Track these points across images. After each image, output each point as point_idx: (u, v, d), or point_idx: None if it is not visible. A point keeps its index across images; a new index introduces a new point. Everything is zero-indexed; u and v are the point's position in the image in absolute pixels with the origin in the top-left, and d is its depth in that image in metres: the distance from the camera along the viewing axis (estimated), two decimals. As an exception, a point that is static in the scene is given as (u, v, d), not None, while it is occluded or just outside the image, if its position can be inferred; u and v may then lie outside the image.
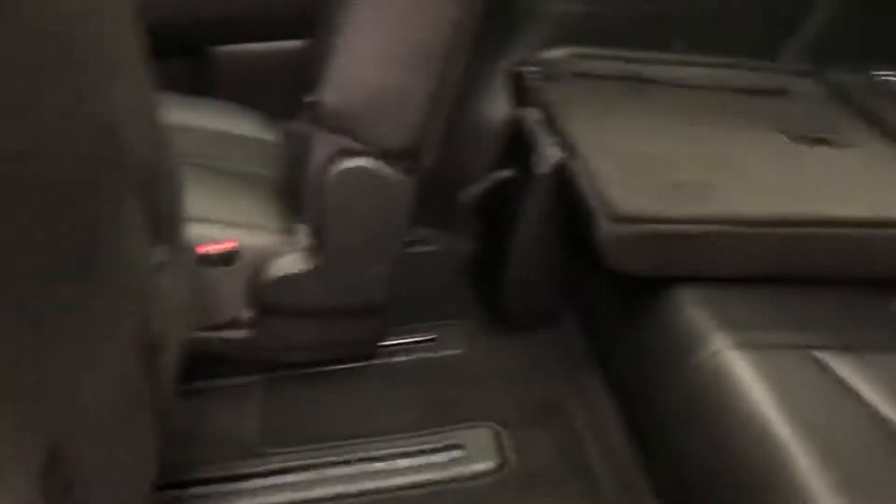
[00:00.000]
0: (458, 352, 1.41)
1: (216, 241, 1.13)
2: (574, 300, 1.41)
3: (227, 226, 1.15)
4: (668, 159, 1.21)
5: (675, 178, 1.16)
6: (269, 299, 1.19)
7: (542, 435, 1.23)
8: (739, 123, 1.37)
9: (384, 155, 1.14)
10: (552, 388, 1.32)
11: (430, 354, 1.40)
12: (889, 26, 1.76)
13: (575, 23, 1.60)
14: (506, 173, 1.38)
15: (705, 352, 1.03)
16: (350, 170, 1.14)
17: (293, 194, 1.21)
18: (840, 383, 0.97)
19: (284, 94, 1.26)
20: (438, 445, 1.21)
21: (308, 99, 1.13)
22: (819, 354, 1.02)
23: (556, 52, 1.60)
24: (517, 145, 1.38)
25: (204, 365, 1.18)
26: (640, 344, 1.15)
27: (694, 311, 1.08)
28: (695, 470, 0.99)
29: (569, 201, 1.25)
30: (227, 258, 1.15)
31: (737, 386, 0.97)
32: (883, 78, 1.68)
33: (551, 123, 1.34)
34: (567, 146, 1.26)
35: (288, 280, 1.18)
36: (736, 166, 1.22)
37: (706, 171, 1.19)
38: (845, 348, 1.03)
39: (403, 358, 1.39)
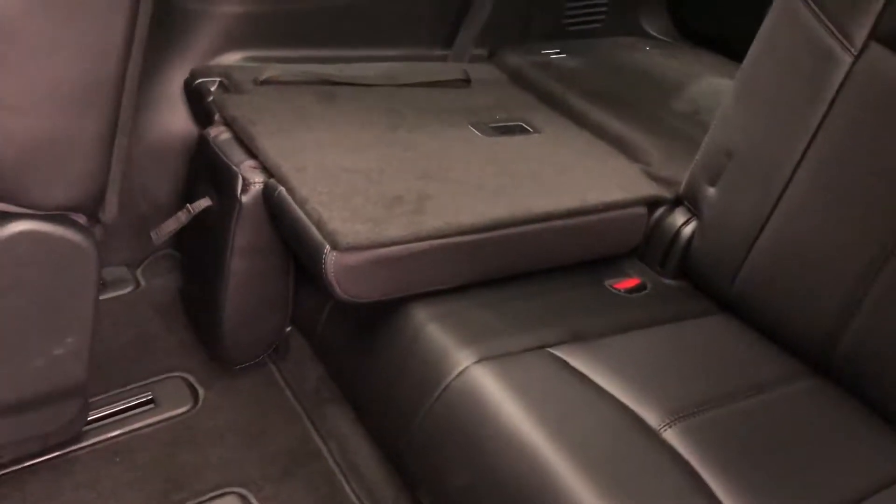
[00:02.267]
0: (182, 410, 1.25)
1: None
2: (306, 330, 1.31)
3: None
4: (378, 172, 1.15)
5: (389, 192, 1.10)
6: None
7: (297, 486, 1.14)
8: (435, 121, 1.35)
9: (55, 213, 0.95)
10: (297, 431, 1.23)
11: (151, 419, 1.23)
12: (547, 3, 1.87)
13: (246, 24, 1.47)
14: (203, 203, 1.23)
15: (452, 373, 1.00)
16: (12, 237, 0.93)
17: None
18: (581, 378, 1.00)
19: None
20: (181, 530, 1.07)
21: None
22: (556, 351, 1.04)
23: (232, 58, 1.47)
24: (210, 169, 1.24)
25: None
26: (385, 372, 1.10)
27: (433, 330, 1.05)
28: (462, 498, 0.96)
29: (281, 230, 1.15)
30: None
31: (487, 403, 0.96)
32: (551, 56, 1.77)
33: (243, 142, 1.21)
34: (268, 168, 1.15)
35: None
36: (444, 170, 1.20)
37: (418, 179, 1.15)
38: (577, 338, 1.07)
39: (119, 431, 1.20)
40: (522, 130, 1.40)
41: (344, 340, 1.21)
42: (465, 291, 1.12)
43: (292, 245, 1.12)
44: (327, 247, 1.00)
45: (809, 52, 1.09)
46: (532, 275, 1.19)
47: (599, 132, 1.44)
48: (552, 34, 1.87)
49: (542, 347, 1.05)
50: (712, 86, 1.69)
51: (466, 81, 1.54)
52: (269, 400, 1.28)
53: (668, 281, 1.25)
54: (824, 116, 1.07)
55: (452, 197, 1.13)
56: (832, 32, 1.06)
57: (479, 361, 1.00)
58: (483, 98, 1.50)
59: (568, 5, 1.89)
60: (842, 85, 1.05)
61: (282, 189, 1.10)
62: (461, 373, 1.00)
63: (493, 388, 0.97)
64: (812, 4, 1.08)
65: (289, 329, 1.32)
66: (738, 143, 1.17)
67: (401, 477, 1.11)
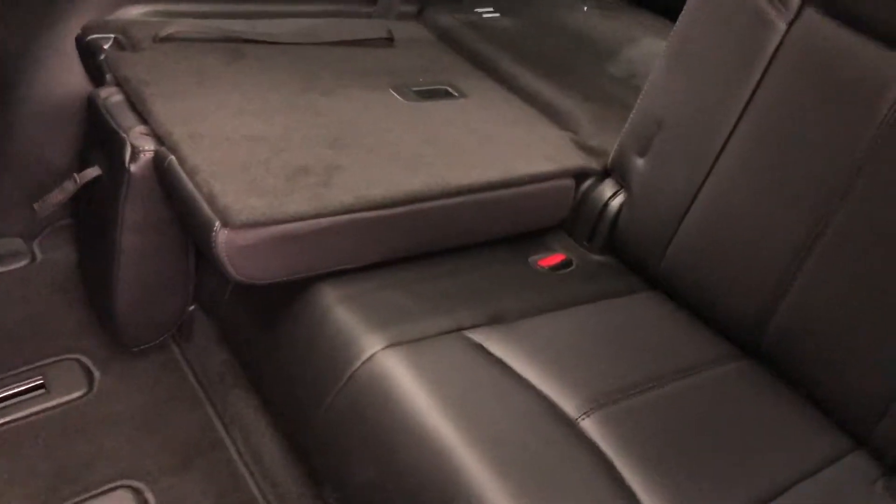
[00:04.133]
0: (76, 395, 1.16)
1: None
2: (210, 310, 1.22)
3: None
4: (284, 140, 1.06)
5: (294, 162, 1.01)
6: None
7: (196, 478, 1.06)
8: (353, 84, 1.25)
9: None
10: (199, 418, 1.14)
11: (41, 405, 1.14)
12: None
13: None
14: (93, 172, 1.13)
15: (359, 359, 0.92)
16: None
17: None
18: (497, 363, 0.93)
19: None
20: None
21: None
22: (472, 335, 0.97)
23: (132, 12, 1.35)
24: (99, 134, 1.13)
25: None
26: (288, 357, 1.02)
27: (340, 312, 0.97)
28: (368, 494, 0.89)
29: (174, 204, 1.05)
30: None
31: (394, 392, 0.88)
32: (484, 14, 1.68)
33: (136, 105, 1.11)
34: (159, 135, 1.04)
35: None
36: (357, 137, 1.11)
37: (328, 148, 1.06)
38: (496, 321, 1.00)
39: (4, 419, 1.11)
40: (447, 95, 1.31)
41: (248, 322, 1.12)
42: (376, 270, 1.04)
43: (184, 220, 1.03)
44: (217, 223, 0.91)
45: (743, 17, 1.02)
46: (451, 252, 1.11)
47: (530, 97, 1.36)
48: (486, -9, 1.77)
49: (457, 331, 0.98)
50: (650, 49, 1.62)
51: (390, 40, 1.45)
52: (170, 385, 1.19)
53: (595, 256, 1.19)
54: (757, 85, 1.00)
55: (365, 168, 1.04)
56: (765, -5, 0.99)
57: (388, 347, 0.93)
58: (407, 59, 1.41)
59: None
60: (776, 52, 0.99)
61: (172, 158, 1.00)
62: (368, 359, 0.92)
63: (401, 376, 0.90)
64: (746, -36, 1.01)
65: (192, 309, 1.23)
66: (668, 112, 1.10)
67: (305, 470, 1.04)
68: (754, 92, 1.01)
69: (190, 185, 0.96)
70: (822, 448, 0.92)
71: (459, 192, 1.06)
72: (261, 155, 1.01)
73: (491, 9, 1.69)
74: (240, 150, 1.01)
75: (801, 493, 0.86)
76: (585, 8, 1.79)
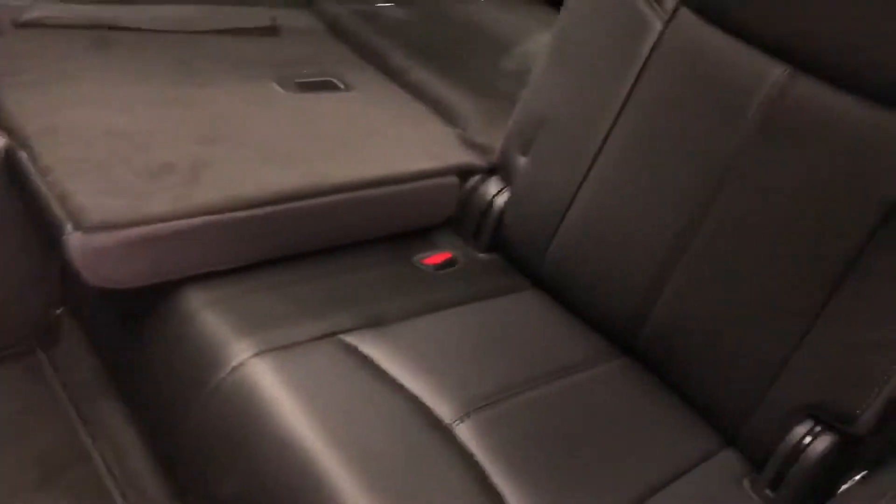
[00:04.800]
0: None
1: None
2: (77, 313, 1.15)
3: None
4: (149, 135, 1.00)
5: (158, 160, 0.96)
6: None
7: (57, 496, 1.00)
8: (230, 75, 1.20)
9: None
10: (63, 429, 1.08)
11: None
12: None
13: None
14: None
15: (226, 367, 0.88)
16: None
17: None
18: (373, 368, 0.90)
19: None
20: None
21: None
22: (349, 339, 0.94)
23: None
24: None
25: None
26: (154, 365, 0.97)
27: (207, 318, 0.92)
28: (234, 509, 0.85)
29: (27, 203, 0.98)
30: None
31: (264, 401, 0.85)
32: (378, 4, 1.64)
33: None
34: (11, 128, 0.97)
35: None
36: (231, 132, 1.06)
37: (197, 143, 1.01)
38: (374, 323, 0.97)
39: None
40: (332, 88, 1.27)
41: (114, 327, 1.07)
42: (249, 272, 1.00)
43: (38, 221, 0.96)
44: (69, 226, 0.85)
45: (620, 15, 1.02)
46: (331, 251, 1.08)
47: (419, 92, 1.33)
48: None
49: (333, 335, 0.94)
50: (544, 43, 1.61)
51: (274, 29, 1.40)
52: (33, 393, 1.12)
53: (480, 255, 1.18)
54: (634, 84, 1.00)
55: (236, 164, 1.00)
56: (642, -4, 0.99)
57: (258, 354, 0.89)
58: (292, 50, 1.36)
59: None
60: (651, 51, 0.99)
61: (23, 154, 0.94)
62: (236, 367, 0.88)
63: (269, 385, 0.86)
64: (623, -37, 1.01)
65: (59, 311, 1.16)
66: (549, 110, 1.09)
67: (174, 482, 0.99)
68: (631, 91, 1.01)
69: (41, 185, 0.89)
70: (694, 447, 0.93)
71: (336, 189, 1.02)
72: (122, 151, 0.96)
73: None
74: (99, 146, 0.95)
75: (672, 493, 0.86)
76: (480, 2, 1.77)
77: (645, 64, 0.99)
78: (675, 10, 0.97)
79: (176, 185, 0.93)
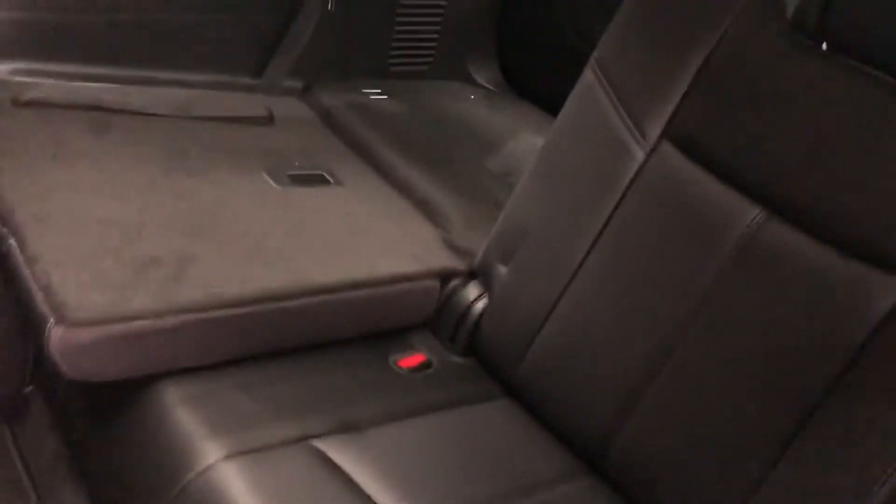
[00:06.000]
0: None
1: None
2: (47, 393, 1.15)
3: None
4: (139, 226, 1.02)
5: (145, 252, 0.97)
6: None
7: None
8: (223, 165, 1.23)
9: None
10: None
11: None
12: (371, 38, 1.78)
13: (16, 30, 1.29)
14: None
15: (196, 468, 0.88)
16: None
17: None
18: (341, 477, 0.90)
19: None
20: None
21: None
22: (320, 444, 0.94)
23: (-3, 70, 1.28)
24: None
25: None
26: (122, 458, 0.96)
27: (180, 415, 0.93)
28: None
29: (13, 288, 0.99)
30: None
31: (232, 507, 0.85)
32: (371, 96, 1.69)
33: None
34: (2, 213, 0.99)
35: None
36: (220, 225, 1.08)
37: (185, 237, 1.03)
38: (346, 428, 0.98)
39: None
40: (323, 181, 1.30)
41: (84, 412, 1.06)
42: (225, 368, 1.00)
43: (21, 308, 0.97)
44: (52, 320, 0.86)
45: (607, 141, 1.06)
46: (309, 350, 1.09)
47: (406, 189, 1.36)
48: (375, 72, 1.78)
49: (305, 439, 0.95)
50: (531, 144, 1.66)
51: (268, 119, 1.43)
52: (-6, 472, 1.11)
53: (456, 358, 1.19)
54: (615, 208, 1.04)
55: (222, 260, 1.01)
56: (628, 126, 1.03)
57: (229, 456, 0.89)
58: (285, 140, 1.39)
59: (393, 44, 1.81)
60: (634, 179, 1.03)
61: (12, 242, 0.95)
62: (206, 469, 0.88)
63: (237, 492, 0.86)
64: (612, 93, 1.05)
65: (29, 389, 1.15)
66: (532, 223, 1.12)
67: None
68: (613, 213, 1.04)
69: (27, 275, 0.90)
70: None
71: (319, 291, 1.04)
72: (111, 242, 0.97)
73: (379, 91, 1.70)
74: (89, 235, 0.97)
75: None
76: (472, 97, 1.83)
77: (627, 189, 1.03)
78: (658, 143, 1.02)
79: (160, 281, 0.94)
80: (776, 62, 0.94)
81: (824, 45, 0.90)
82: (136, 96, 1.33)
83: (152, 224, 1.03)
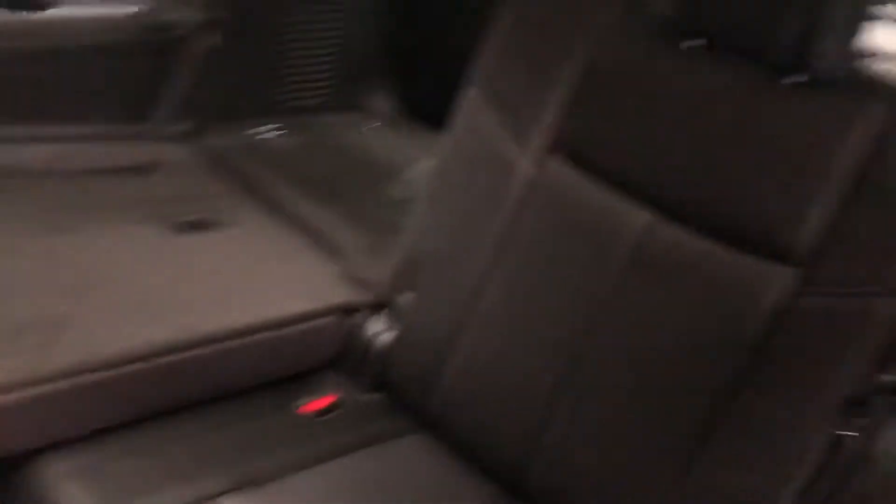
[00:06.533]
0: None
1: None
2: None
3: None
4: (12, 290, 0.95)
5: (17, 319, 0.91)
6: None
7: None
8: (101, 219, 1.17)
9: None
10: None
11: None
12: (262, 75, 1.74)
13: None
14: None
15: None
16: None
17: None
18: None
19: None
20: None
21: None
22: (223, 501, 0.89)
23: None
24: None
25: None
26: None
27: (67, 490, 0.86)
28: None
29: None
30: None
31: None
32: (264, 134, 1.65)
33: None
34: None
35: None
36: (100, 283, 1.02)
37: (61, 298, 0.97)
38: (245, 484, 0.92)
39: None
40: (211, 226, 1.25)
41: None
42: (114, 433, 0.94)
43: None
44: None
45: (491, 159, 1.04)
46: (205, 403, 1.03)
47: (302, 224, 1.32)
48: (268, 109, 1.74)
49: (205, 500, 0.89)
50: (428, 170, 1.64)
51: (153, 166, 1.37)
52: None
53: (365, 396, 1.14)
54: (509, 227, 1.02)
55: (102, 319, 0.96)
56: (512, 142, 1.02)
57: (118, 528, 0.83)
58: (171, 187, 1.34)
59: (287, 78, 1.77)
60: (525, 196, 1.01)
61: None
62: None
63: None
64: (493, 111, 1.04)
65: None
66: (428, 249, 1.09)
67: None
68: (507, 231, 1.02)
69: None
70: None
71: (208, 341, 0.99)
72: (-22, 311, 0.90)
73: (272, 127, 1.66)
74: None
75: None
76: (368, 128, 1.80)
77: (519, 206, 1.01)
78: (545, 156, 1.00)
79: (31, 348, 0.88)
80: (647, 66, 0.94)
81: (685, 44, 0.91)
82: (6, 154, 1.25)
83: (23, 288, 0.96)
